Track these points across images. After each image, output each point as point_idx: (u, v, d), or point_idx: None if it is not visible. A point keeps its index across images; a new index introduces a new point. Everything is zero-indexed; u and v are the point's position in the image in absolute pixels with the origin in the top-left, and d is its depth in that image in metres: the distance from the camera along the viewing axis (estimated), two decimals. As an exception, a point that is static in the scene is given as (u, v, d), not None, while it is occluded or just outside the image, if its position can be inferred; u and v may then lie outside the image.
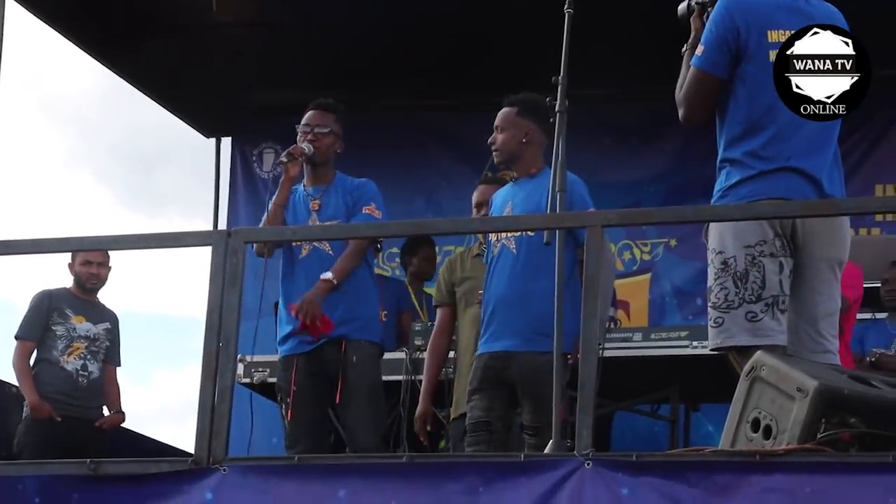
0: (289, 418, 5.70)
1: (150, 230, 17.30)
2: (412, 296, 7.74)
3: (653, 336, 6.34)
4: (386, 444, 6.10)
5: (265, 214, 5.88)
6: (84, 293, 7.35)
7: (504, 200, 5.64)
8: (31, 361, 7.21)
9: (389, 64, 8.62)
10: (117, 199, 17.01)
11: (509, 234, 5.50)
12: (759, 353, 4.25)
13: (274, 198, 5.88)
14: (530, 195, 5.51)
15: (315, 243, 5.81)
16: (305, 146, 5.86)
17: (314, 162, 5.88)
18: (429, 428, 6.07)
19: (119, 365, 7.45)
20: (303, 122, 5.95)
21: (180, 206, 17.08)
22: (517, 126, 5.61)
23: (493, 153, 5.69)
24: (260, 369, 6.80)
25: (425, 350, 6.29)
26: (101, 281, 7.36)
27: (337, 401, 5.68)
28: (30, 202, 14.83)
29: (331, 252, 5.76)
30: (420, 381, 6.24)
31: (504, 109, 5.68)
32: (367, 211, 5.81)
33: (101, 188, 16.81)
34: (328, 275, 5.67)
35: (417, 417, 6.07)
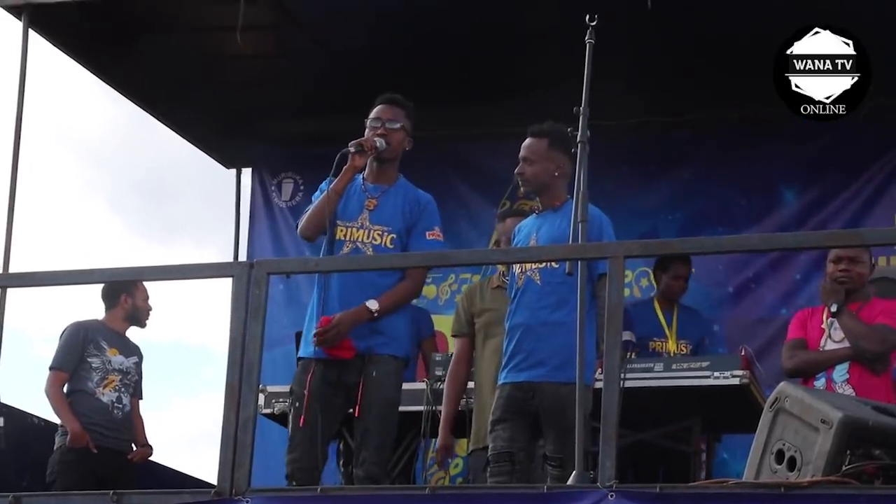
0: (299, 423, 5.36)
1: (162, 259, 17.39)
2: (659, 315, 7.33)
3: (674, 367, 6.29)
4: (388, 466, 5.87)
5: (319, 194, 5.62)
6: (124, 327, 7.38)
7: (528, 233, 5.62)
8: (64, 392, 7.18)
9: (407, 93, 8.62)
10: (130, 228, 17.06)
11: (534, 266, 5.47)
12: (782, 384, 4.26)
13: (332, 183, 5.58)
14: (555, 227, 5.49)
15: (358, 243, 5.58)
16: (378, 141, 5.63)
17: (382, 158, 5.66)
18: (449, 459, 6.06)
19: (141, 398, 7.46)
20: (371, 116, 5.72)
21: (193, 236, 17.09)
22: (549, 159, 5.57)
23: (521, 183, 5.63)
24: (280, 399, 6.76)
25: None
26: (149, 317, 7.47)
27: (356, 415, 5.41)
28: (44, 231, 14.84)
29: (372, 252, 5.54)
30: (440, 412, 6.22)
31: (533, 140, 5.62)
32: (431, 237, 5.61)
33: (114, 216, 16.86)
34: (374, 305, 5.41)
35: (438, 450, 6.03)
